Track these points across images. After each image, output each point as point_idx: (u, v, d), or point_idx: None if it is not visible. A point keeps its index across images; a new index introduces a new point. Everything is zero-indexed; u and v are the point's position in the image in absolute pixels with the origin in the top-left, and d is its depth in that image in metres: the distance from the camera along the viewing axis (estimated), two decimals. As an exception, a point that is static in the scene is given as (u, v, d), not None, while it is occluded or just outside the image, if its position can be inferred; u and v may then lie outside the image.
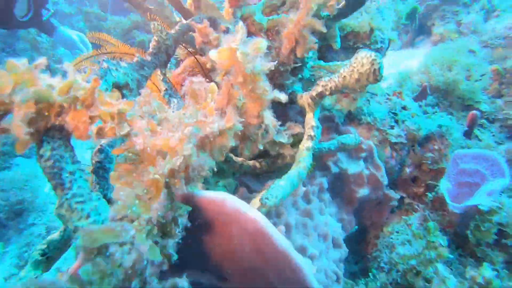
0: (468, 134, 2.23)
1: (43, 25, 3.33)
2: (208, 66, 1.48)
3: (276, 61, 0.88)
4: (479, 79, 2.89)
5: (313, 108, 1.11)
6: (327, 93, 1.00)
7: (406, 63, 3.29)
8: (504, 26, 3.13)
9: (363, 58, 0.87)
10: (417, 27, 3.84)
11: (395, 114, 1.63)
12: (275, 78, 1.30)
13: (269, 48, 1.35)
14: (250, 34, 1.70)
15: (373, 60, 0.84)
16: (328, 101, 1.55)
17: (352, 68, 0.86)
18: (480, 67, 2.94)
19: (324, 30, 1.11)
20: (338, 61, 1.64)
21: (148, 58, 1.18)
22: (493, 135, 2.72)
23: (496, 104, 2.95)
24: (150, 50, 1.20)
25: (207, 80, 0.71)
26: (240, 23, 0.85)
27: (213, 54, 0.82)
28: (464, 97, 2.94)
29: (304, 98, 1.20)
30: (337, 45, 1.47)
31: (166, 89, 1.22)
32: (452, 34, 3.51)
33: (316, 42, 1.22)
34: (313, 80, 1.45)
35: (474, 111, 2.20)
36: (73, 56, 4.70)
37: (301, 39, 1.16)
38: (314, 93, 1.04)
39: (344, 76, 0.92)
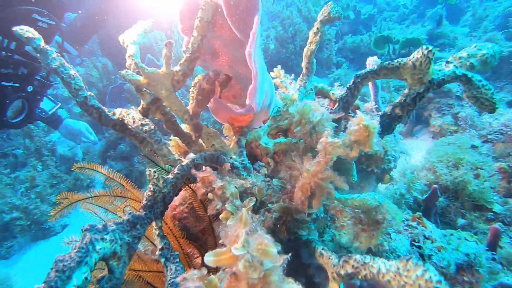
0: (491, 248, 2.04)
1: (49, 119, 3.42)
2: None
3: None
4: (488, 179, 2.79)
5: (339, 280, 0.91)
6: (359, 277, 0.81)
7: (408, 158, 3.22)
8: (501, 123, 3.14)
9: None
10: (414, 118, 3.88)
11: (420, 247, 1.44)
12: (286, 229, 1.12)
13: (279, 190, 1.20)
14: (254, 157, 1.57)
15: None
16: (345, 238, 1.36)
17: (396, 275, 0.68)
18: (486, 164, 2.87)
19: (347, 187, 0.96)
20: (353, 188, 1.50)
21: (142, 212, 1.00)
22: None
23: (509, 204, 2.80)
24: (144, 202, 1.03)
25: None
26: (244, 212, 0.69)
27: (209, 259, 0.64)
28: (475, 198, 2.80)
29: (325, 259, 1.01)
30: (353, 178, 1.33)
31: (162, 248, 1.02)
32: (450, 127, 3.52)
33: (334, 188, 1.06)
34: (329, 220, 1.27)
35: (496, 226, 2.03)
36: (77, 144, 4.65)
37: (318, 189, 1.01)
38: (342, 271, 0.85)
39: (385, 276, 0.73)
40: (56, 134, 5.92)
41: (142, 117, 1.21)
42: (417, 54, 1.05)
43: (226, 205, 1.01)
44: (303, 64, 1.79)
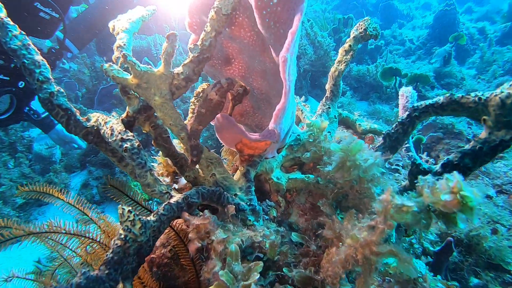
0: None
1: (40, 121, 3.18)
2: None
3: None
4: (508, 237, 2.52)
5: None
6: None
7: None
8: (518, 174, 2.91)
9: None
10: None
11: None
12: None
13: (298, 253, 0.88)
14: (261, 193, 1.25)
15: None
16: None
17: None
18: (504, 219, 2.61)
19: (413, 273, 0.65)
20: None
21: (103, 272, 0.67)
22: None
23: (529, 267, 2.52)
24: (109, 255, 0.70)
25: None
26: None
27: None
28: (491, 255, 2.51)
29: None
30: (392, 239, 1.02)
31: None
32: (461, 171, 3.26)
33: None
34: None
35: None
36: (66, 150, 4.27)
37: (365, 266, 0.69)
38: None
39: None
40: (36, 130, 5.49)
41: (124, 129, 0.89)
42: (509, 89, 0.77)
43: (220, 273, 0.69)
44: (328, 86, 1.50)
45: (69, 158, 4.74)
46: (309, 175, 1.20)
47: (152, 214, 0.79)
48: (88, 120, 0.98)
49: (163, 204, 0.80)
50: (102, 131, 0.93)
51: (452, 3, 6.64)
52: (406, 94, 1.57)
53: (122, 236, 0.71)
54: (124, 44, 0.98)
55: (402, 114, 1.62)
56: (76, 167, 4.68)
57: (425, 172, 0.94)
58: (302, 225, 1.24)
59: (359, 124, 1.51)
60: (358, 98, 5.88)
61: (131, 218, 0.72)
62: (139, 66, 0.89)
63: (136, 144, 0.86)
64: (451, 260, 2.51)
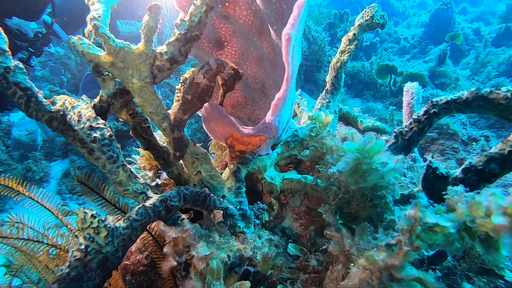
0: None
1: None
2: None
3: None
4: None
5: None
6: None
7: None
8: (514, 176, 2.84)
9: None
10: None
11: None
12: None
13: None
14: (252, 193, 1.12)
15: None
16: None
17: None
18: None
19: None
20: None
21: (54, 292, 0.53)
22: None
23: (522, 273, 2.45)
24: (64, 271, 0.56)
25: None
26: None
27: None
28: (484, 260, 2.44)
29: None
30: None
31: None
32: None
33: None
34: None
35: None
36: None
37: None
38: None
39: None
40: (18, 114, 5.23)
41: (94, 116, 0.75)
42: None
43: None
44: (328, 78, 1.38)
45: (51, 146, 4.53)
46: (307, 175, 1.08)
47: (123, 219, 0.65)
48: (53, 103, 0.84)
49: (137, 208, 0.67)
50: (69, 116, 0.78)
51: (449, 2, 6.57)
52: (411, 90, 1.46)
53: (83, 246, 0.58)
54: (99, 16, 0.83)
55: (407, 111, 1.51)
56: (57, 155, 4.47)
57: (442, 178, 0.83)
58: (297, 230, 1.12)
59: (361, 121, 1.39)
60: (351, 95, 5.78)
61: (94, 225, 0.59)
62: (114, 41, 0.75)
63: (108, 134, 0.72)
64: (445, 265, 2.43)
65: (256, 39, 1.02)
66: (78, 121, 0.75)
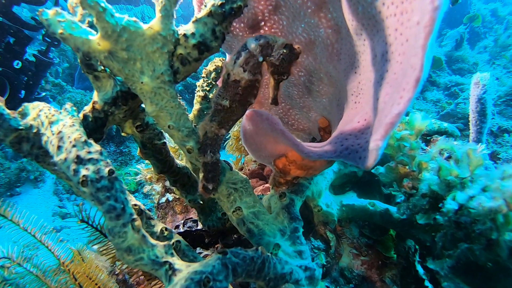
0: None
1: None
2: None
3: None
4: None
5: None
6: None
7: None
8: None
9: None
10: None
11: None
12: None
13: None
14: (304, 224, 0.85)
15: None
16: None
17: None
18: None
19: None
20: None
21: None
22: None
23: None
24: None
25: None
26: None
27: None
28: None
29: None
30: None
31: None
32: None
33: None
34: None
35: None
36: None
37: None
38: None
39: None
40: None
41: (85, 139, 0.46)
42: None
43: None
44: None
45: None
46: (374, 201, 0.80)
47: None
48: (22, 115, 0.55)
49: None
50: (44, 138, 0.50)
51: (465, -19, 6.19)
52: (482, 82, 1.17)
53: None
54: None
55: (476, 108, 1.22)
56: (53, 151, 4.19)
57: None
58: (358, 270, 0.85)
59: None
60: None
61: None
62: (112, 16, 0.46)
63: (106, 171, 0.44)
64: None
65: (311, 16, 0.73)
66: (59, 147, 0.47)
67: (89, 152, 0.45)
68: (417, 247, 0.78)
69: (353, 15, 0.59)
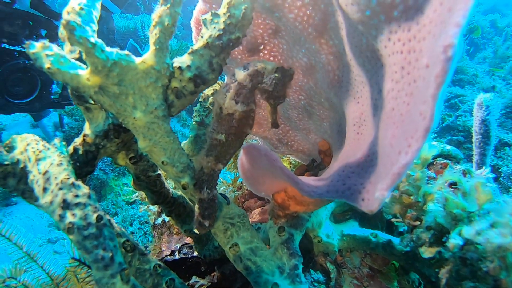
0: None
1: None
2: None
3: None
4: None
5: None
6: None
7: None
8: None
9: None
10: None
11: None
12: None
13: None
14: (302, 254, 0.82)
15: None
16: None
17: None
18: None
19: None
20: None
21: None
22: None
23: None
24: None
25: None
26: None
27: None
28: None
29: None
30: None
31: None
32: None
33: None
34: None
35: None
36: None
37: None
38: None
39: None
40: (7, 117, 4.87)
41: (72, 181, 0.44)
42: None
43: None
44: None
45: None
46: (377, 232, 0.77)
47: None
48: (9, 148, 0.53)
49: None
50: (30, 177, 0.47)
51: (464, -7, 6.22)
52: (486, 103, 1.15)
53: None
54: (81, 8, 0.50)
55: (480, 129, 1.20)
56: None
57: None
58: (359, 302, 0.82)
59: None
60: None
61: None
62: (102, 51, 0.43)
63: (94, 217, 0.41)
64: None
65: (312, 41, 0.71)
66: (44, 189, 0.44)
67: (77, 196, 0.42)
68: (421, 281, 0.75)
69: (356, 46, 0.57)
